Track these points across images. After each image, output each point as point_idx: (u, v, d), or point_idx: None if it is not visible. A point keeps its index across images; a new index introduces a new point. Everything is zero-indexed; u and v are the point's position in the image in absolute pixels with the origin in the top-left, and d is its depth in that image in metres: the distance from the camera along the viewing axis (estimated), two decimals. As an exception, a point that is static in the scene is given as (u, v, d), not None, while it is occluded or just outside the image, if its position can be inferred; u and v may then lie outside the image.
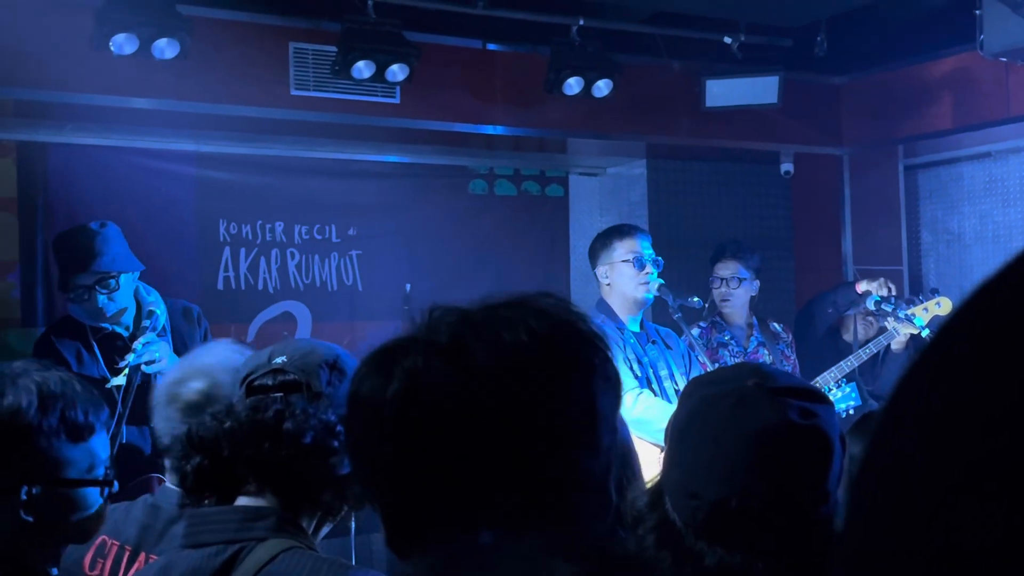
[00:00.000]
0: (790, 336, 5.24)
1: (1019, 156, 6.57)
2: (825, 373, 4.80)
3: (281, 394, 1.69)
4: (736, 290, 5.01)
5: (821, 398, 1.50)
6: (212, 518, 1.63)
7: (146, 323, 3.93)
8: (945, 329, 0.44)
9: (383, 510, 1.07)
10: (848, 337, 5.34)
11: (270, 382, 1.71)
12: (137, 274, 4.11)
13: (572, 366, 1.06)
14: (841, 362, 4.81)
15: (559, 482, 1.03)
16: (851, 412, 4.60)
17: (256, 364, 1.77)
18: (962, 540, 0.38)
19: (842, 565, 0.43)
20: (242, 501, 1.66)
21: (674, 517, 1.42)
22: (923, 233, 7.09)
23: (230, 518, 1.62)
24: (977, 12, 5.37)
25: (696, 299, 4.37)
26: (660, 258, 4.28)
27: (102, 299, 3.97)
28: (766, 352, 4.98)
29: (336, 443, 1.62)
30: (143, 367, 3.81)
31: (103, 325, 4.07)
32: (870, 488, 0.43)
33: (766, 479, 1.39)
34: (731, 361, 4.87)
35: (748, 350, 4.98)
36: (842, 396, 4.67)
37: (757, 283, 5.11)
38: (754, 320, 5.13)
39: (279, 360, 1.74)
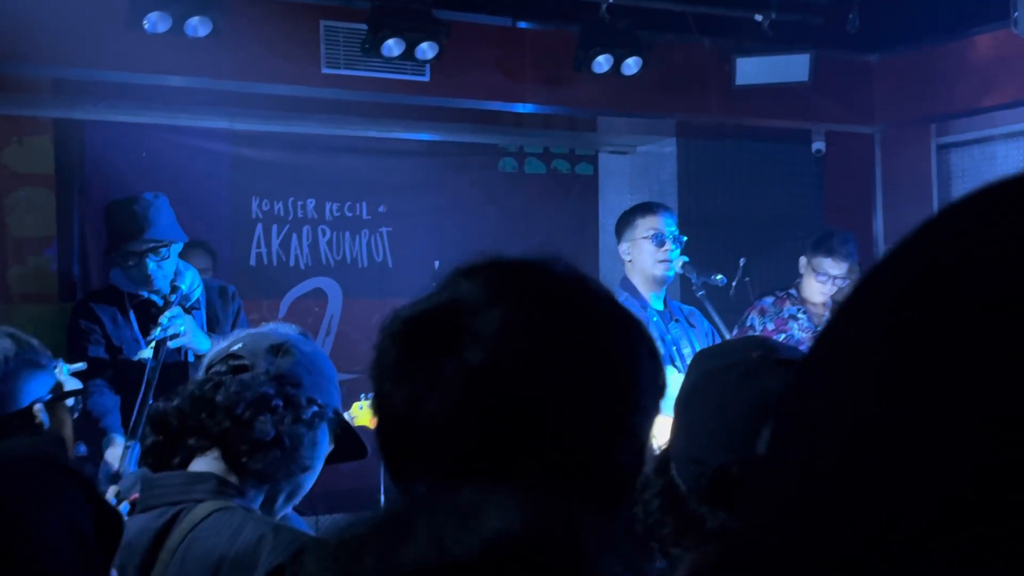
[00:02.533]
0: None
1: (1054, 135, 6.52)
2: None
3: (227, 374, 1.84)
4: (837, 288, 4.94)
5: (826, 370, 1.54)
6: (158, 483, 1.81)
7: (173, 297, 4.03)
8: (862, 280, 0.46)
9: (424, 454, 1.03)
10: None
11: (222, 367, 1.86)
12: (181, 246, 4.21)
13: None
14: None
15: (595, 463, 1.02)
16: None
17: (220, 350, 1.95)
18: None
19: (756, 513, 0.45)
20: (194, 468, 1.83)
21: (679, 482, 1.47)
22: (955, 213, 7.05)
23: (174, 482, 1.79)
24: (1011, -11, 5.33)
25: (720, 277, 4.37)
26: (683, 236, 4.28)
27: (152, 266, 4.08)
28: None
29: (268, 414, 1.74)
30: (168, 341, 3.90)
31: (141, 292, 4.17)
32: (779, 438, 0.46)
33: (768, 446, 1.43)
34: (799, 336, 4.84)
35: (817, 328, 4.93)
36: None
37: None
38: (829, 302, 5.06)
39: (237, 347, 1.90)
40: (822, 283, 4.87)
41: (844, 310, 0.46)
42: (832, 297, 5.00)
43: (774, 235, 6.66)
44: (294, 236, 6.38)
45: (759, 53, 6.04)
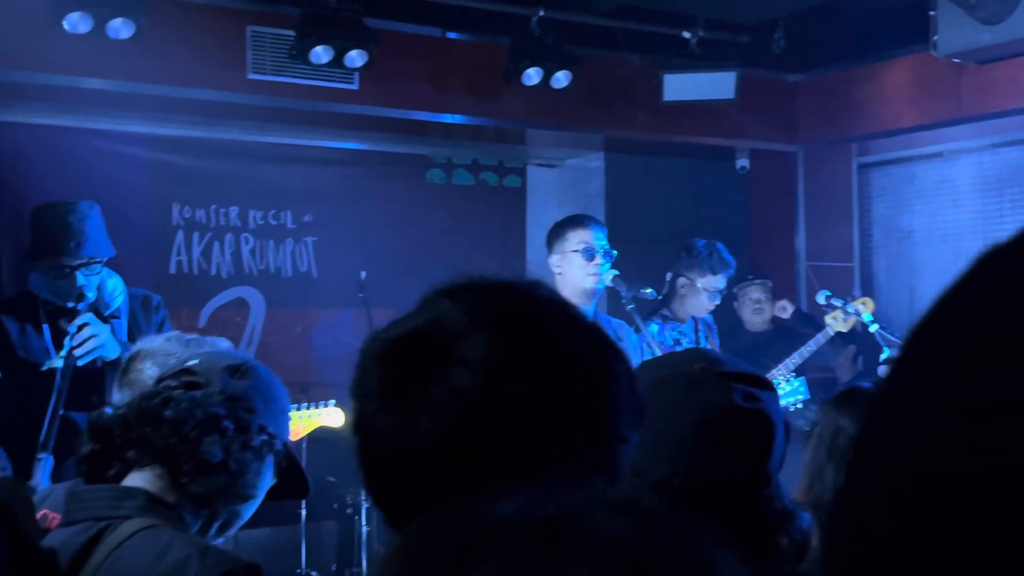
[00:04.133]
0: (716, 326, 5.35)
1: (970, 157, 6.69)
2: (773, 371, 4.89)
3: (179, 389, 1.78)
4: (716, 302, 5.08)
5: (765, 384, 1.54)
6: (84, 496, 1.72)
7: (80, 305, 3.89)
8: (928, 320, 0.46)
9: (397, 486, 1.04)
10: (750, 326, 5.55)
11: (174, 382, 1.80)
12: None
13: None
14: (787, 360, 4.90)
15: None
16: (799, 406, 4.69)
17: (173, 365, 1.89)
18: (955, 521, 0.39)
19: (840, 536, 0.45)
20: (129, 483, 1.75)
21: (619, 495, 1.46)
22: (875, 231, 7.20)
23: (100, 496, 1.71)
24: (931, 13, 5.47)
25: (649, 290, 4.42)
26: (613, 250, 4.31)
27: (82, 279, 3.95)
28: (707, 344, 5.08)
29: (217, 436, 1.69)
30: (79, 348, 3.78)
31: (57, 301, 4.04)
32: (864, 469, 0.45)
33: (709, 459, 1.43)
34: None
35: (700, 345, 5.06)
36: (791, 390, 4.75)
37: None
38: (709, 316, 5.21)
39: (192, 363, 1.84)
40: (711, 300, 4.99)
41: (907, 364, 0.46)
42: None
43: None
44: (216, 244, 6.28)
45: (686, 70, 6.12)
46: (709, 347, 5.02)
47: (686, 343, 5.00)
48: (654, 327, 4.93)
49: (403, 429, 1.00)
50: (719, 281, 5.00)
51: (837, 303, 5.05)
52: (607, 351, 1.08)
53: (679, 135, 6.60)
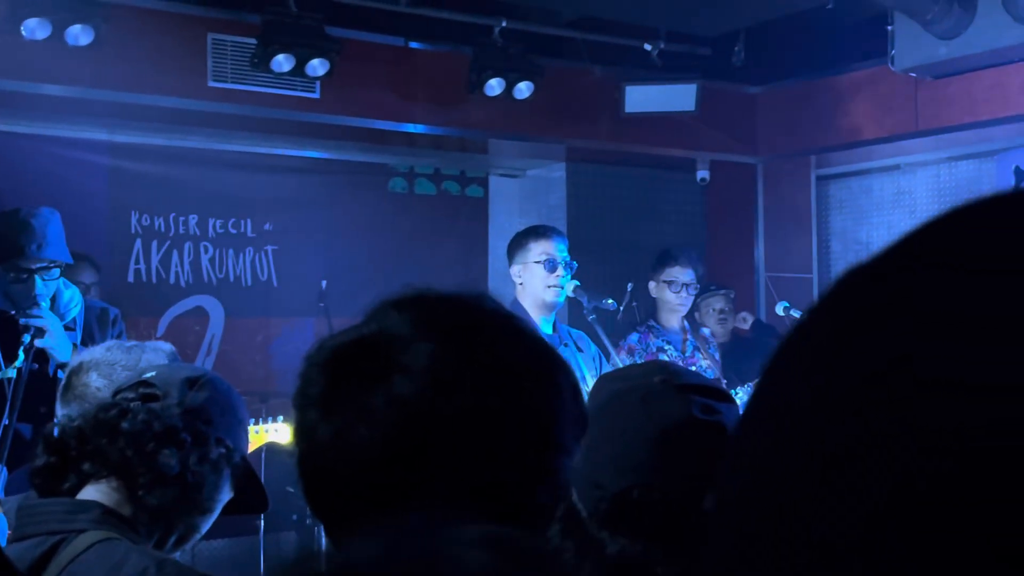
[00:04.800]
0: (715, 340, 5.32)
1: (927, 169, 6.78)
2: (737, 384, 4.89)
3: (136, 401, 1.76)
4: (691, 296, 5.04)
5: (725, 397, 1.55)
6: (37, 510, 1.70)
7: (23, 318, 3.83)
8: (804, 318, 0.47)
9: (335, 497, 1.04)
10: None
11: (131, 394, 1.78)
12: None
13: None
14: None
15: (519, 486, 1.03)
16: None
17: (130, 376, 1.88)
18: (822, 531, 0.38)
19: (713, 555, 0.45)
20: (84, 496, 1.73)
21: (579, 507, 1.46)
22: (833, 242, 7.28)
23: (53, 510, 1.68)
24: (889, 27, 5.54)
25: (610, 301, 4.42)
26: (574, 261, 4.32)
27: (40, 284, 3.89)
28: (701, 356, 5.02)
29: (174, 448, 1.68)
30: (34, 341, 3.72)
31: (9, 310, 3.98)
32: (731, 480, 0.45)
33: (667, 471, 1.44)
34: (703, 364, 4.92)
35: (686, 355, 5.01)
36: (746, 397, 4.76)
37: (697, 287, 5.17)
38: (686, 324, 5.16)
39: (149, 374, 1.83)
40: (676, 292, 4.94)
41: (771, 369, 0.46)
42: (687, 320, 5.13)
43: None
44: (175, 252, 6.23)
45: (648, 82, 6.16)
46: (700, 359, 5.00)
47: (672, 352, 4.98)
48: (634, 336, 4.93)
49: (342, 437, 0.99)
50: (683, 273, 4.98)
51: (796, 314, 5.09)
52: (551, 363, 1.08)
53: (640, 146, 6.63)
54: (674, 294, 4.96)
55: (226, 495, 1.79)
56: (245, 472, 1.84)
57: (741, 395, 4.77)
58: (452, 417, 0.99)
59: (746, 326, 6.13)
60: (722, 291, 6.03)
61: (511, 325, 1.09)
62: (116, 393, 1.81)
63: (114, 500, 1.69)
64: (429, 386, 0.99)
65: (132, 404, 1.73)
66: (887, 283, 0.44)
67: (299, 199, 6.50)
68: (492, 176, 7.20)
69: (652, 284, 5.10)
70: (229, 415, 1.82)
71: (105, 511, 1.67)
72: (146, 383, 1.79)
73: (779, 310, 5.24)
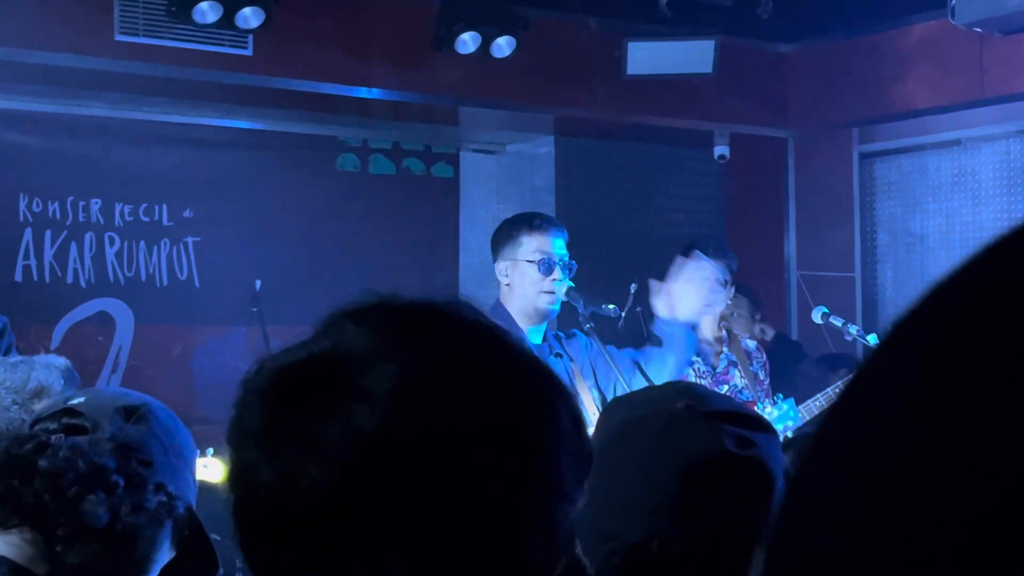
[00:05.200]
0: (764, 356, 5.23)
1: (993, 145, 6.82)
2: (809, 401, 4.87)
3: (58, 433, 1.74)
4: (719, 294, 4.96)
5: (763, 425, 1.56)
6: None
7: None
8: (885, 345, 0.46)
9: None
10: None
11: (53, 425, 1.77)
12: None
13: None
14: (808, 401, 4.86)
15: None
16: (789, 434, 4.71)
17: (52, 403, 1.86)
18: None
19: None
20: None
21: (584, 562, 1.46)
22: (879, 234, 7.31)
23: None
24: (948, -27, 5.57)
25: (611, 306, 4.40)
26: (574, 262, 4.31)
27: None
28: (738, 374, 5.00)
29: (103, 494, 1.66)
30: None
31: None
32: (793, 535, 0.45)
33: (694, 518, 1.43)
34: (740, 384, 4.89)
35: (717, 370, 4.99)
36: (779, 415, 4.76)
37: (733, 289, 5.10)
38: (724, 334, 5.13)
39: (76, 401, 1.81)
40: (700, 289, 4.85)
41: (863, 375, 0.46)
42: (726, 328, 5.10)
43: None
44: (73, 245, 6.21)
45: (655, 38, 6.16)
46: (736, 378, 4.97)
47: (699, 367, 4.96)
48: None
49: (289, 480, 0.99)
50: (715, 269, 4.93)
51: (836, 322, 5.09)
52: (548, 388, 1.08)
53: (645, 116, 6.64)
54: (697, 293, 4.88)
55: (165, 555, 1.78)
56: (190, 526, 1.82)
57: (767, 407, 4.78)
58: (423, 455, 0.98)
59: (766, 339, 6.12)
60: (739, 295, 6.02)
61: (497, 341, 1.09)
62: (34, 423, 1.79)
63: (26, 555, 1.67)
64: (395, 417, 0.98)
65: (53, 437, 1.71)
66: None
67: (227, 180, 6.48)
68: (464, 152, 7.20)
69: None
70: (172, 454, 1.80)
71: (13, 569, 1.66)
72: (71, 411, 1.77)
73: (816, 317, 5.23)
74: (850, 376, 0.48)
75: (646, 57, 6.19)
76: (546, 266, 4.20)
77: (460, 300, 1.11)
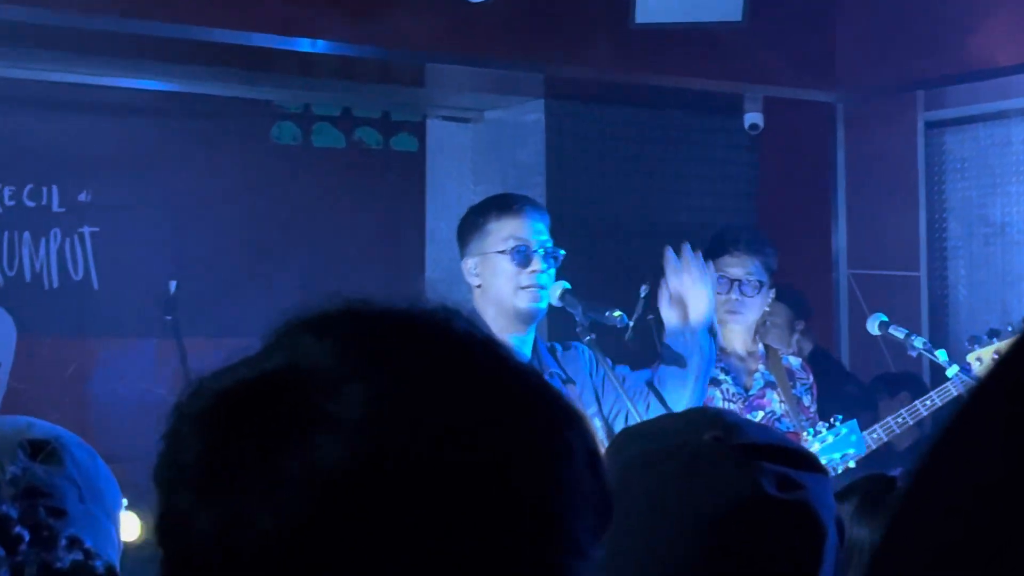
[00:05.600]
0: (811, 377, 5.25)
1: (1091, 112, 6.86)
2: (865, 433, 4.88)
3: None
4: (752, 298, 4.96)
5: (810, 462, 1.56)
6: None
7: None
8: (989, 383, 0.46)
9: None
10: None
11: None
12: None
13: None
14: (872, 429, 4.88)
15: None
16: (851, 465, 4.70)
17: None
18: None
19: None
20: None
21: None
22: (950, 223, 7.33)
23: None
24: None
25: (617, 313, 4.40)
26: (559, 248, 4.31)
27: None
28: (776, 397, 5.00)
29: (3, 552, 1.67)
30: None
31: None
32: None
33: (729, 574, 1.44)
34: (779, 410, 4.90)
35: (750, 392, 5.01)
36: (835, 440, 4.75)
37: (773, 292, 5.08)
38: (760, 349, 5.14)
39: None
40: (721, 292, 4.80)
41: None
42: (764, 343, 5.12)
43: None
44: (-63, 237, 6.24)
45: (671, -23, 6.18)
46: (775, 402, 4.98)
47: (729, 387, 4.97)
48: None
49: (234, 529, 0.99)
50: (743, 263, 4.92)
51: (897, 333, 5.10)
52: (558, 418, 1.08)
53: (658, 76, 6.65)
54: (722, 296, 4.87)
55: None
56: None
57: (822, 432, 4.78)
58: (401, 498, 0.98)
59: (802, 354, 6.13)
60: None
61: (494, 358, 1.08)
62: None
63: None
64: (367, 451, 0.98)
65: None
66: None
67: (134, 155, 6.49)
68: (432, 120, 7.23)
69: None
70: (90, 500, 1.81)
71: None
72: None
73: (872, 327, 5.24)
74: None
75: (659, 2, 6.20)
76: (520, 255, 4.19)
77: (448, 307, 1.10)
